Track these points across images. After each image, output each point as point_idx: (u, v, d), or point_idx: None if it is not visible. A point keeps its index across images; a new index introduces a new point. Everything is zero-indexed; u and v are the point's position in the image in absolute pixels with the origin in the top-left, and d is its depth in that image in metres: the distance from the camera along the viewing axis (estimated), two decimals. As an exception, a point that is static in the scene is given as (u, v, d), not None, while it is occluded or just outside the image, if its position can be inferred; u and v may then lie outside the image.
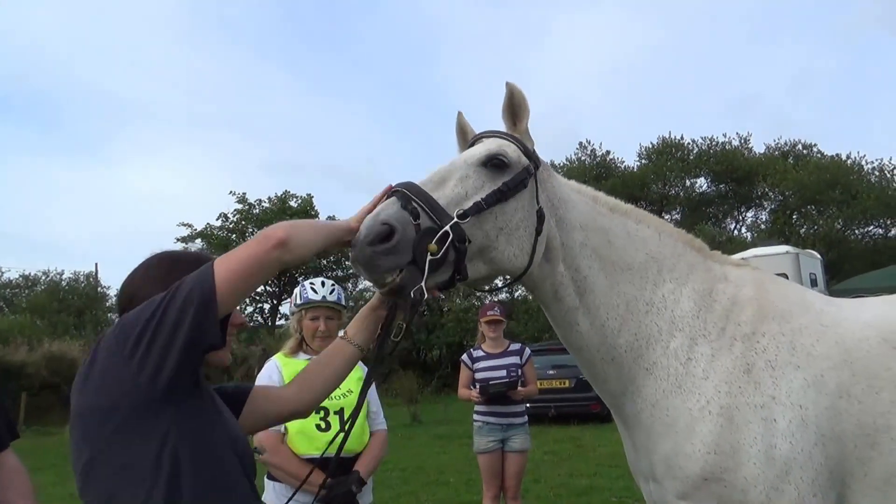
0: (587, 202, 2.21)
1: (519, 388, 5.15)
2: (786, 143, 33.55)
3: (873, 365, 1.93)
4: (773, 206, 32.38)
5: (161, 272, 1.68)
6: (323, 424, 2.96)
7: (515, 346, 5.48)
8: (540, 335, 20.56)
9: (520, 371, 5.25)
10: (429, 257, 1.77)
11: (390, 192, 1.89)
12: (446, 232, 1.80)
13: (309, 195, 27.15)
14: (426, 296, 1.80)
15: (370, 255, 1.78)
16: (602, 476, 8.41)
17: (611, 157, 33.25)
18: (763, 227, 31.83)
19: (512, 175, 1.98)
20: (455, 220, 1.82)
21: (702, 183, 33.33)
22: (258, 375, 3.11)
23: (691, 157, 32.45)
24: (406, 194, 1.84)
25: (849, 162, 29.92)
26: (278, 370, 3.06)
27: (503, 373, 5.22)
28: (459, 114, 2.33)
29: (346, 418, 2.89)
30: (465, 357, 5.50)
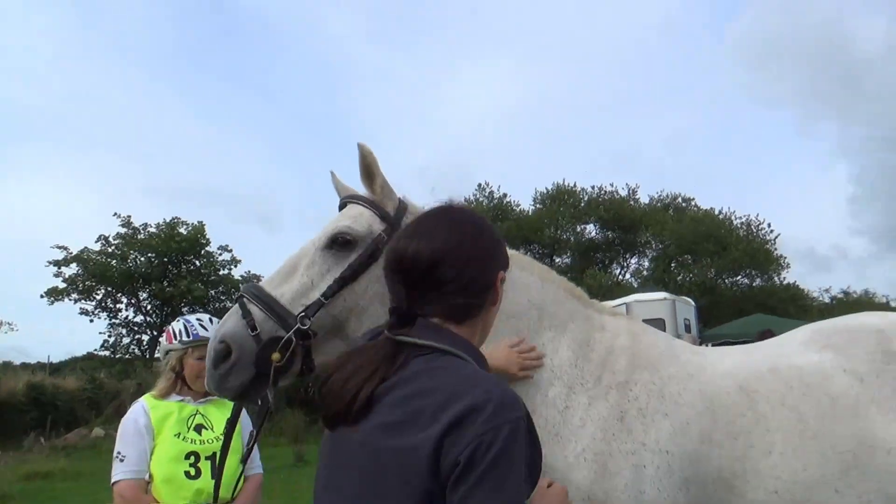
0: None
1: None
2: (667, 196, 36.05)
3: (731, 412, 2.05)
4: (654, 255, 34.49)
5: (485, 250, 1.38)
6: (192, 471, 2.76)
7: None
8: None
9: None
10: (274, 365, 1.80)
11: (235, 298, 1.94)
12: (289, 339, 1.83)
13: (201, 223, 25.86)
14: (271, 402, 1.85)
15: (216, 378, 1.84)
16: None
17: (507, 199, 34.29)
18: (645, 273, 33.78)
19: (360, 251, 1.98)
20: (297, 325, 1.85)
21: (591, 229, 35.01)
22: (124, 419, 2.87)
23: (582, 205, 34.05)
24: (245, 302, 1.88)
25: (721, 216, 32.50)
26: (146, 414, 2.83)
27: None
28: (332, 174, 2.33)
29: (217, 464, 2.72)
30: None
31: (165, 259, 25.07)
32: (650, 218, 32.75)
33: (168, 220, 25.47)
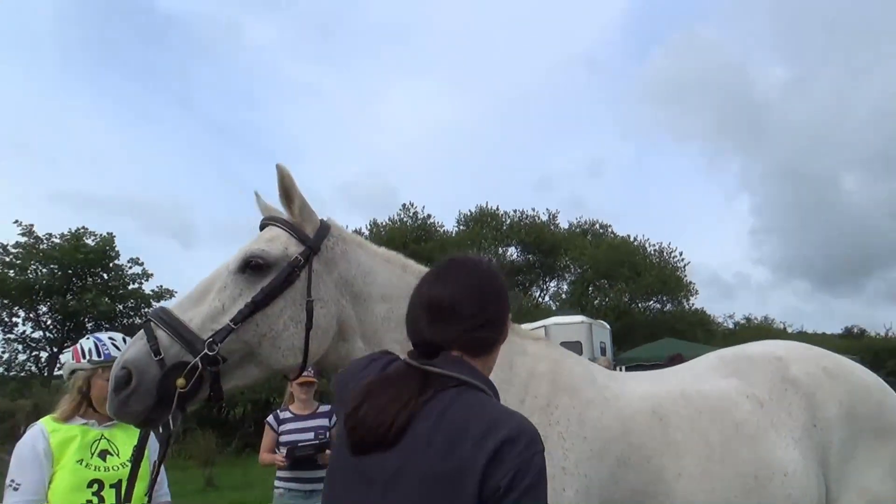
0: (396, 272, 2.20)
1: (327, 451, 4.99)
2: (585, 222, 37.28)
3: (645, 436, 2.13)
4: (572, 278, 35.47)
5: (499, 292, 1.55)
6: (95, 500, 2.58)
7: (325, 408, 5.31)
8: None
9: (328, 434, 5.09)
10: (178, 391, 1.78)
11: (141, 323, 1.92)
12: (195, 365, 1.81)
13: (109, 234, 24.57)
14: (172, 430, 1.83)
15: (116, 403, 1.80)
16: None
17: (432, 220, 34.50)
18: (564, 296, 34.68)
19: (273, 276, 1.95)
20: (204, 350, 1.82)
21: (513, 252, 35.68)
22: (19, 443, 2.65)
23: (504, 228, 34.70)
24: (152, 327, 1.85)
25: (636, 243, 33.88)
26: (44, 438, 2.61)
27: (311, 435, 5.02)
28: (256, 195, 2.29)
29: (123, 493, 2.57)
30: (270, 419, 5.20)
31: (70, 271, 23.67)
32: (569, 243, 33.77)
33: (74, 230, 24.10)
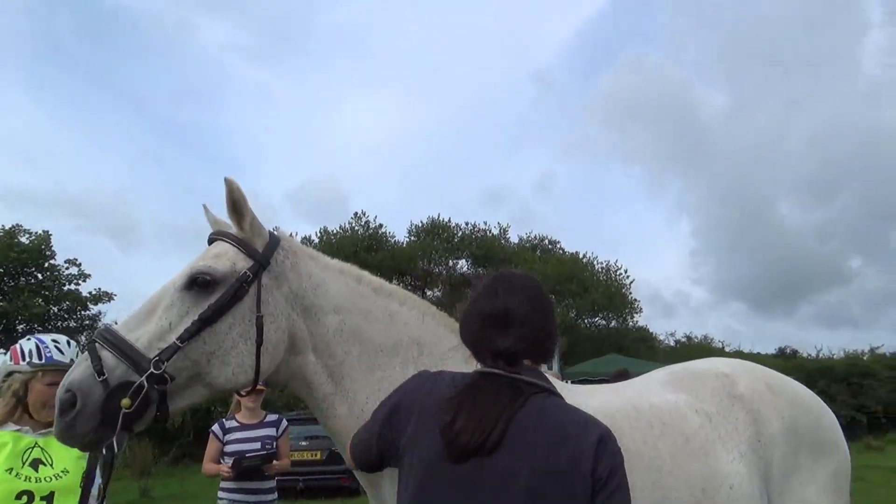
0: (349, 284, 2.18)
1: (274, 462, 4.87)
2: (535, 238, 37.74)
3: None
4: (521, 293, 35.64)
5: (551, 306, 1.74)
6: None
7: (272, 418, 5.19)
8: (295, 403, 19.88)
9: (275, 444, 4.97)
10: (123, 412, 1.76)
11: (86, 343, 1.90)
12: (140, 384, 1.79)
13: (45, 232, 23.56)
14: (117, 451, 1.83)
15: (62, 426, 1.77)
16: (348, 554, 8.17)
17: (383, 230, 34.35)
18: (513, 310, 34.75)
19: (221, 292, 1.93)
20: (150, 369, 1.80)
21: (463, 264, 35.80)
22: None
23: (455, 240, 34.81)
24: (97, 347, 1.82)
25: (584, 260, 34.48)
26: None
27: (257, 445, 4.90)
28: (205, 208, 2.24)
29: None
30: (215, 428, 5.05)
31: (2, 270, 22.57)
32: (519, 257, 34.06)
33: (7, 228, 23.01)
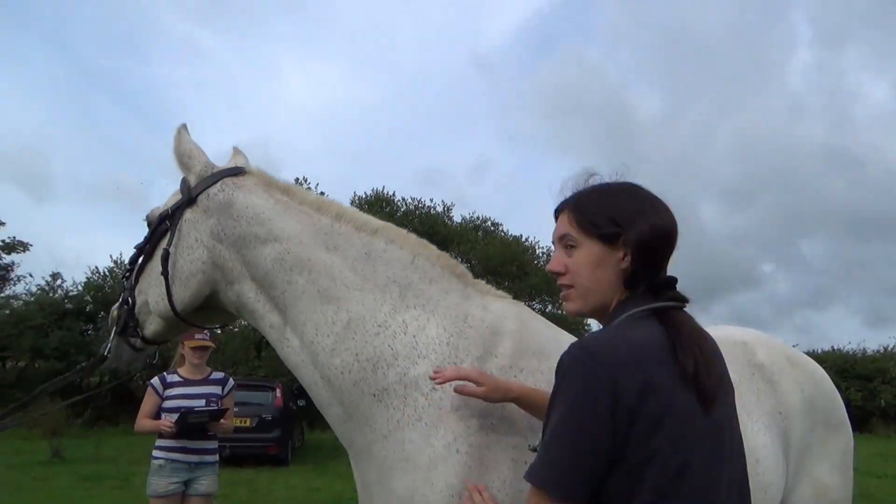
0: (302, 212, 2.05)
1: (222, 421, 4.47)
2: (478, 218, 37.71)
3: None
4: (462, 272, 35.73)
5: None
6: None
7: (218, 375, 4.78)
8: (223, 369, 19.24)
9: (220, 402, 4.57)
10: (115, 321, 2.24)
11: None
12: (121, 304, 2.23)
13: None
14: (108, 351, 2.23)
15: None
16: (278, 524, 7.83)
17: (323, 196, 33.58)
18: (452, 289, 34.80)
19: (147, 233, 2.20)
20: (122, 296, 2.24)
21: (405, 240, 35.41)
22: None
23: (399, 214, 34.42)
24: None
25: (527, 243, 34.74)
26: None
27: (202, 402, 4.48)
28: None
29: None
30: (154, 381, 4.58)
31: None
32: (462, 236, 34.03)
33: None
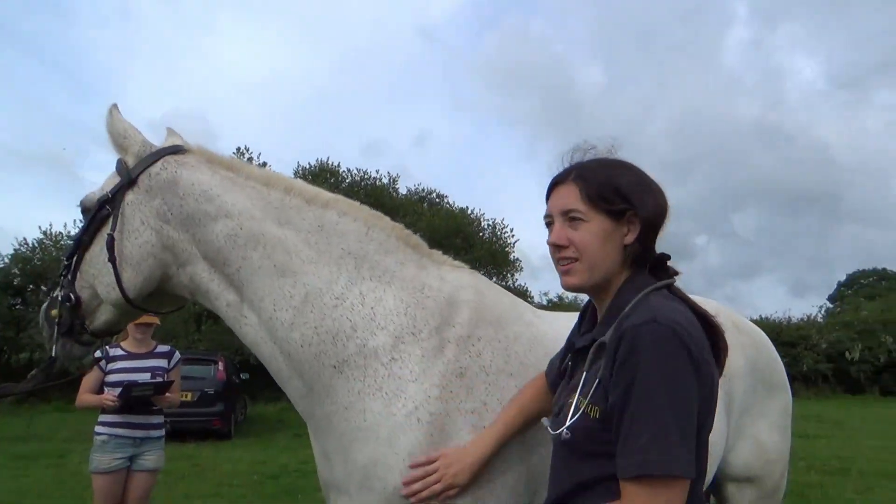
0: (249, 186, 2.02)
1: (167, 394, 4.36)
2: (424, 190, 37.65)
3: None
4: (407, 244, 35.66)
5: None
6: None
7: (164, 348, 4.65)
8: (165, 342, 18.74)
9: (166, 376, 4.45)
10: (54, 321, 2.06)
11: None
12: (61, 300, 2.05)
13: None
14: (57, 354, 2.08)
15: None
16: (223, 497, 7.76)
17: (268, 169, 32.80)
18: (397, 261, 34.75)
19: (90, 217, 2.05)
20: (61, 290, 2.07)
21: (350, 211, 35.03)
22: None
23: (344, 185, 33.99)
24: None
25: (472, 216, 34.90)
26: None
27: (147, 376, 4.36)
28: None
29: None
30: (97, 355, 4.43)
31: None
32: (407, 208, 33.91)
33: None
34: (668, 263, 1.45)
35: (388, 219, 2.11)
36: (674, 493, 1.18)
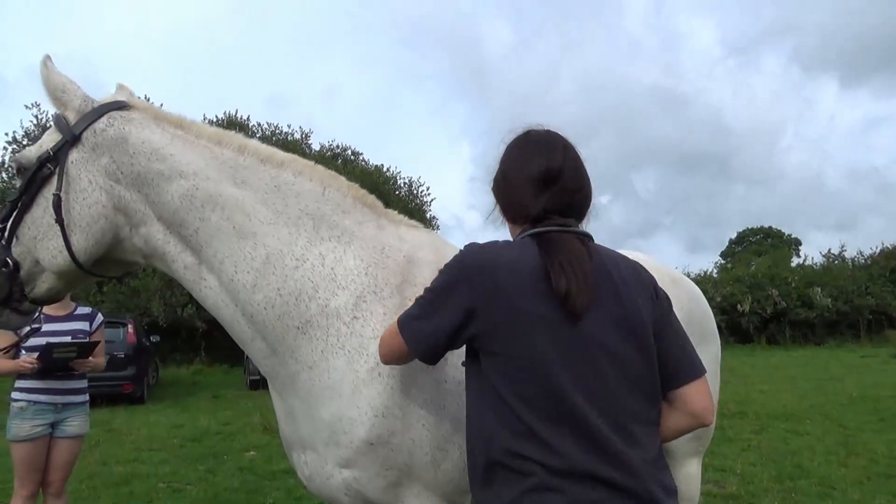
0: (201, 145, 1.99)
1: (90, 358, 4.18)
2: (338, 147, 36.89)
3: None
4: (321, 201, 35.03)
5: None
6: None
7: (85, 310, 4.44)
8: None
9: (88, 339, 4.27)
10: None
11: None
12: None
13: None
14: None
15: None
16: (143, 462, 7.58)
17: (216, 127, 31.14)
18: (310, 219, 34.13)
19: (29, 176, 1.94)
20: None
21: (261, 168, 33.91)
22: None
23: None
24: None
25: (388, 174, 34.64)
26: None
27: (67, 339, 4.16)
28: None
29: None
30: (34, 325, 4.17)
31: None
32: (321, 165, 33.25)
33: None
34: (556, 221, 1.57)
35: (343, 178, 2.14)
36: (396, 341, 1.60)
